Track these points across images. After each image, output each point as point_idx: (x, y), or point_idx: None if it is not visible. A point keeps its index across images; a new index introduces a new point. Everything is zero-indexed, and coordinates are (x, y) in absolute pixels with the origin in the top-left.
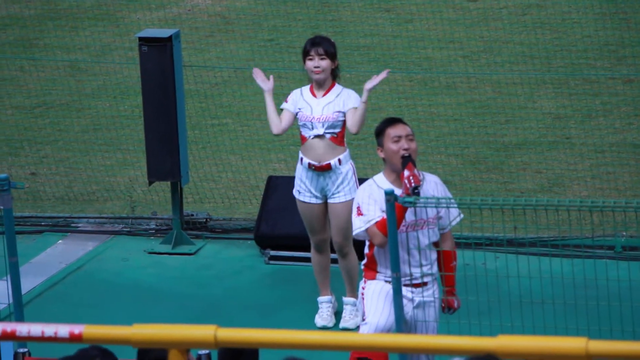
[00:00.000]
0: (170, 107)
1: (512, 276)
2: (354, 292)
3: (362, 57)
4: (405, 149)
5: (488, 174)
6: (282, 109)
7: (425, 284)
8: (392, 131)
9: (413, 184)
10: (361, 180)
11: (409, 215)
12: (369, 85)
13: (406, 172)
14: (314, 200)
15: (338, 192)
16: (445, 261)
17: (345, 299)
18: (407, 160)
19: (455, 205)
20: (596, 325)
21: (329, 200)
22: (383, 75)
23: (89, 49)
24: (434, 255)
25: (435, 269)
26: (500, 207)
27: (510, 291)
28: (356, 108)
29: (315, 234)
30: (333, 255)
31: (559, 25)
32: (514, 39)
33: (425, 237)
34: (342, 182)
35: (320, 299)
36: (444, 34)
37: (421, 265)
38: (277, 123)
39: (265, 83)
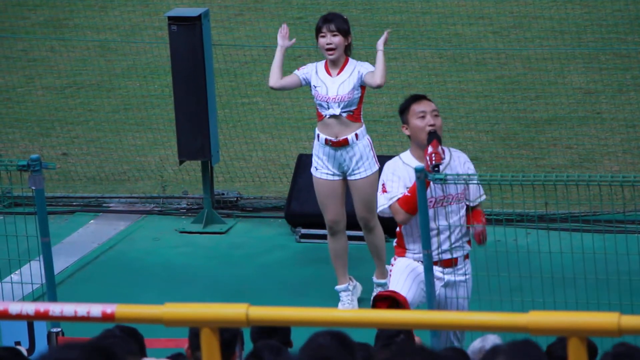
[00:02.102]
0: (200, 86)
1: (543, 252)
2: (383, 273)
3: (391, 34)
4: (431, 125)
5: (518, 150)
6: (292, 73)
7: (455, 261)
8: (417, 107)
9: (434, 162)
10: (385, 157)
11: (437, 191)
12: (380, 44)
13: (430, 149)
14: (331, 177)
15: (358, 168)
16: (474, 216)
17: (376, 280)
18: (433, 137)
19: (480, 184)
20: (628, 301)
21: (349, 178)
22: (385, 35)
23: (118, 29)
24: (464, 231)
25: (466, 245)
26: (531, 183)
27: (542, 267)
28: (372, 72)
29: (328, 213)
30: (349, 232)
31: (589, 0)
32: (544, 14)
33: (453, 212)
34: (360, 158)
35: (338, 287)
36: (474, 10)
37: (450, 239)
38: (277, 77)
39: (284, 40)
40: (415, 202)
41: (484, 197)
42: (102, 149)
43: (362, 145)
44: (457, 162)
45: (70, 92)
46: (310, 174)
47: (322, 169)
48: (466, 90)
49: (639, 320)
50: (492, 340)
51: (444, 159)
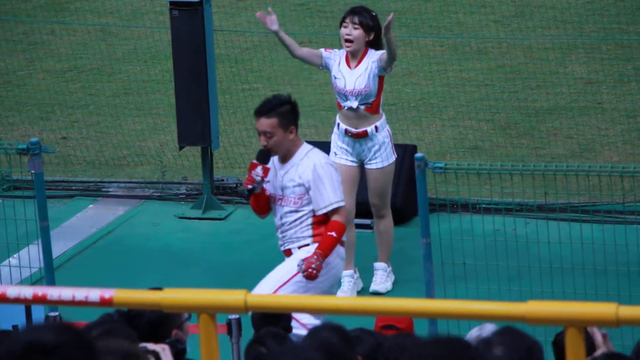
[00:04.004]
0: (201, 72)
1: (542, 242)
2: (385, 258)
3: (393, 21)
4: (264, 145)
5: (519, 140)
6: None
7: (288, 252)
8: (256, 123)
9: (246, 185)
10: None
11: (277, 190)
12: (385, 31)
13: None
14: (349, 163)
15: (375, 158)
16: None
17: (377, 264)
18: (259, 155)
19: (327, 194)
20: (626, 291)
21: (366, 166)
22: (390, 19)
23: (120, 13)
24: (304, 232)
25: (301, 241)
26: (531, 172)
27: (541, 257)
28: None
29: None
30: (357, 221)
31: None
32: (545, 3)
33: (290, 213)
34: (379, 149)
35: (343, 272)
36: None
37: (284, 236)
38: (295, 47)
39: (273, 23)
40: (253, 205)
41: (329, 207)
42: (102, 134)
43: (381, 136)
44: (300, 167)
45: (71, 75)
46: None
47: (340, 154)
48: (467, 78)
49: (637, 310)
50: (489, 329)
51: (256, 184)
